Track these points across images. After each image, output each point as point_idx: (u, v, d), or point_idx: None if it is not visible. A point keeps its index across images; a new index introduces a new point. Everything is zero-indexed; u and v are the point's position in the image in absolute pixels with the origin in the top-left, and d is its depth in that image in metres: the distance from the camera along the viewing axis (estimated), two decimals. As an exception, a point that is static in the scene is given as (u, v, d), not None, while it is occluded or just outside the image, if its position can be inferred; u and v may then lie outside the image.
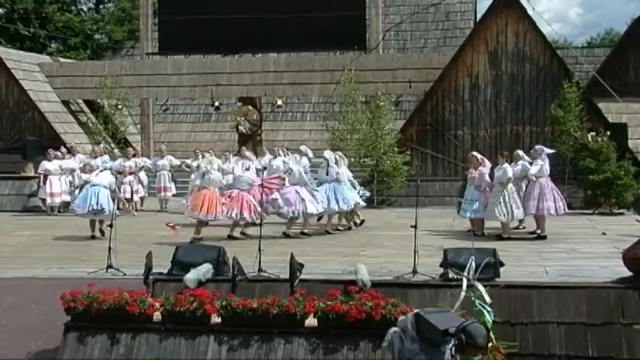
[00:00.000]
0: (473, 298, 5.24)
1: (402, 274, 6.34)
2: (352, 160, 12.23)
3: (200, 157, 11.10)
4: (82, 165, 12.26)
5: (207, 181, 8.86)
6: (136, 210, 12.22)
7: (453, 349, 4.16)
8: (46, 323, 5.93)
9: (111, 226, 6.93)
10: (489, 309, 5.14)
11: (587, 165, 11.84)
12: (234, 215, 8.73)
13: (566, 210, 9.16)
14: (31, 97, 15.74)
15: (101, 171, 9.96)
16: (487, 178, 8.85)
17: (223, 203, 8.79)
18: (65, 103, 16.78)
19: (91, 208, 9.18)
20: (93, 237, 9.39)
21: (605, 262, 7.06)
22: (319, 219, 9.89)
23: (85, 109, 17.40)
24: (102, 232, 9.42)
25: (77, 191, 12.15)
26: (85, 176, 11.69)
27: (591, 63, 17.73)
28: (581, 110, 12.85)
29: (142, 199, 12.68)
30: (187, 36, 15.52)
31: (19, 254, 8.37)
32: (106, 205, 9.10)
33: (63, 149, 12.87)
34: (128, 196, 12.11)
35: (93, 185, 9.40)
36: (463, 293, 5.26)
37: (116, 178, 10.02)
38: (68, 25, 25.72)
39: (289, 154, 11.28)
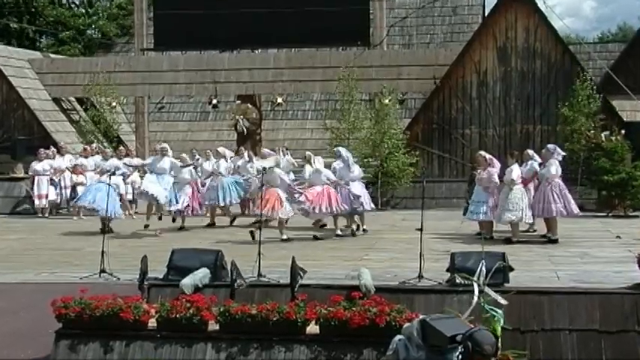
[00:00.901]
0: (482, 304, 5.05)
1: (407, 279, 6.20)
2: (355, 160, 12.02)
3: (197, 156, 10.93)
4: (72, 165, 12.12)
5: (269, 180, 8.93)
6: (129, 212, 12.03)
7: (460, 356, 4.03)
8: (36, 330, 5.80)
9: (103, 229, 6.74)
10: (500, 315, 4.95)
11: (601, 165, 11.58)
12: (324, 210, 9.00)
13: (579, 212, 8.90)
14: (20, 95, 15.42)
15: (116, 175, 10.10)
16: (496, 179, 8.63)
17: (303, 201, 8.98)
18: (56, 100, 16.54)
19: (87, 203, 9.50)
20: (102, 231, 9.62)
21: (620, 266, 6.89)
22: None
23: (77, 107, 17.17)
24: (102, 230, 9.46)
25: (67, 191, 12.04)
26: (75, 177, 11.58)
27: (605, 59, 17.38)
28: (593, 107, 12.52)
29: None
30: (184, 31, 15.28)
31: (8, 259, 8.21)
32: (103, 204, 9.24)
33: (52, 149, 12.67)
34: (130, 197, 11.92)
35: (100, 182, 9.54)
36: (475, 298, 5.06)
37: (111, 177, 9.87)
38: (59, 19, 25.51)
39: (289, 153, 11.12)
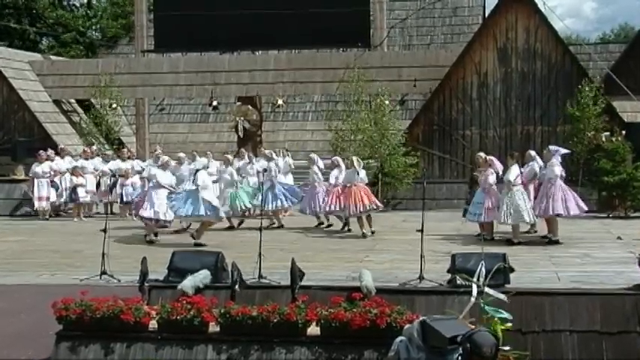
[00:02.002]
0: (483, 305, 5.03)
1: (408, 281, 6.20)
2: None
3: (198, 158, 10.89)
4: (71, 167, 12.08)
5: (350, 178, 9.56)
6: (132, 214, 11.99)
7: (460, 358, 4.02)
8: (37, 332, 5.78)
9: (105, 230, 6.73)
10: (507, 315, 4.93)
11: (602, 166, 11.56)
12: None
13: (585, 208, 8.84)
14: (21, 97, 15.41)
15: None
16: (491, 180, 8.61)
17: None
18: (57, 102, 16.53)
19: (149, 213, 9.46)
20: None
21: (621, 267, 6.88)
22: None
23: (78, 109, 17.15)
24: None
25: (66, 193, 12.02)
26: (74, 179, 11.45)
27: (605, 60, 17.37)
28: (598, 109, 12.50)
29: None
30: (184, 33, 15.28)
31: (8, 260, 8.19)
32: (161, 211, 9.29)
33: (50, 151, 12.61)
34: (131, 198, 11.90)
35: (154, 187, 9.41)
36: (473, 299, 5.05)
37: (116, 180, 9.85)
38: (60, 21, 25.51)
39: (289, 155, 11.16)
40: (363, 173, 9.72)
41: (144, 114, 16.81)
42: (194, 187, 8.94)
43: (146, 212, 9.15)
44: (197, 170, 9.20)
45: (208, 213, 8.81)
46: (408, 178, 12.60)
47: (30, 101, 15.69)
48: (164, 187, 9.28)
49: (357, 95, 13.57)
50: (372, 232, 9.54)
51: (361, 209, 9.40)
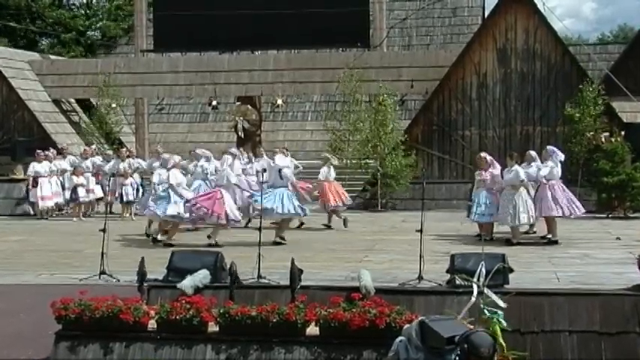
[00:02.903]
0: (482, 306, 5.04)
1: (407, 281, 6.20)
2: (352, 162, 12.24)
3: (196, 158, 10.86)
4: (72, 167, 12.06)
5: (325, 174, 10.18)
6: (131, 213, 11.96)
7: (457, 358, 4.04)
8: (36, 332, 5.78)
9: (104, 230, 6.73)
10: (499, 315, 4.93)
11: (601, 167, 11.58)
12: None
13: (581, 211, 8.87)
14: (20, 96, 15.40)
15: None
16: (500, 180, 8.62)
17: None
18: (56, 102, 16.53)
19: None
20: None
21: (620, 268, 6.89)
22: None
23: (77, 108, 17.17)
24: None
25: (67, 192, 12.00)
26: (75, 179, 11.41)
27: (604, 60, 17.39)
28: (598, 110, 12.51)
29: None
30: (184, 32, 15.29)
31: (8, 260, 8.18)
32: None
33: (52, 150, 12.60)
34: (131, 198, 11.89)
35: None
36: (473, 299, 5.05)
37: (113, 179, 9.74)
38: (59, 21, 25.51)
39: (289, 155, 11.13)
40: (332, 170, 10.36)
41: (143, 114, 16.81)
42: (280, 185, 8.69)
43: (232, 214, 8.73)
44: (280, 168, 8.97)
45: (300, 211, 8.91)
46: (405, 179, 12.61)
47: (29, 101, 15.68)
48: (235, 185, 9.19)
49: (353, 95, 13.57)
50: (329, 227, 9.98)
51: (340, 203, 10.01)
